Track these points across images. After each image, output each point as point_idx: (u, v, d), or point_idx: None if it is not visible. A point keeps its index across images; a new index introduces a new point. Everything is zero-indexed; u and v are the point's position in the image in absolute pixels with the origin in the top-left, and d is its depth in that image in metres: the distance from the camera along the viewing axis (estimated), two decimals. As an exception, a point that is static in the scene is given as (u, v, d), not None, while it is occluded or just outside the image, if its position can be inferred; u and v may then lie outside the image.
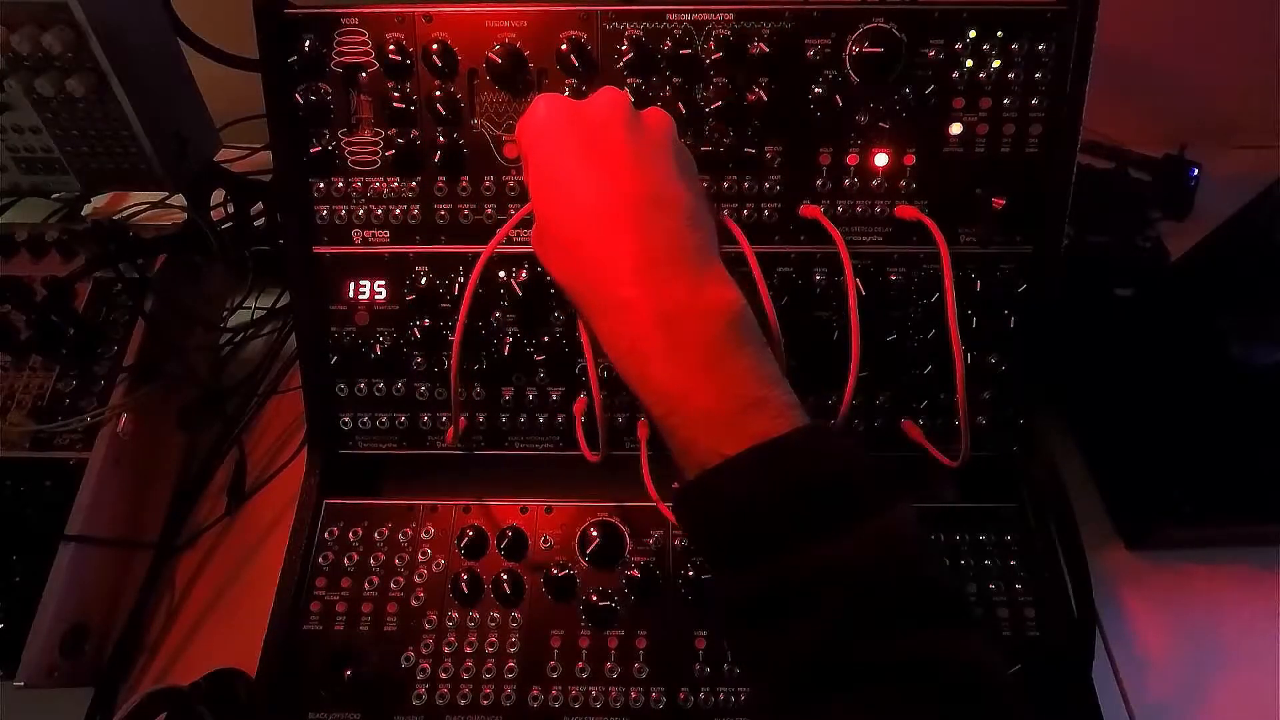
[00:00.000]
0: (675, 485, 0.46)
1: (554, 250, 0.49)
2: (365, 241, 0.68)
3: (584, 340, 0.59)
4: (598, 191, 0.46)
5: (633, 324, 0.45)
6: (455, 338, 0.60)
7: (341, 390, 0.70)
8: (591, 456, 0.64)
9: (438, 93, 0.64)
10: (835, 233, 0.63)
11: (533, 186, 0.50)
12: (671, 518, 0.63)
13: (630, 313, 0.44)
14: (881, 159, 0.65)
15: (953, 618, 0.41)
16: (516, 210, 0.66)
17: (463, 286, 0.67)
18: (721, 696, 0.61)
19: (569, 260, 0.48)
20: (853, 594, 0.39)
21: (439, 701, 0.62)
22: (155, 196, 0.91)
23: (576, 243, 0.47)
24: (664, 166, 0.48)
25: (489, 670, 0.63)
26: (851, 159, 0.65)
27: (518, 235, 0.67)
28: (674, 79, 0.63)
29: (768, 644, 0.42)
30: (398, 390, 0.70)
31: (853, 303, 0.60)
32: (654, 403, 0.45)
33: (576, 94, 0.63)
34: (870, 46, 0.62)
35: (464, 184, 0.66)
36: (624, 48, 0.63)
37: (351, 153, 0.66)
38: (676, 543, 0.67)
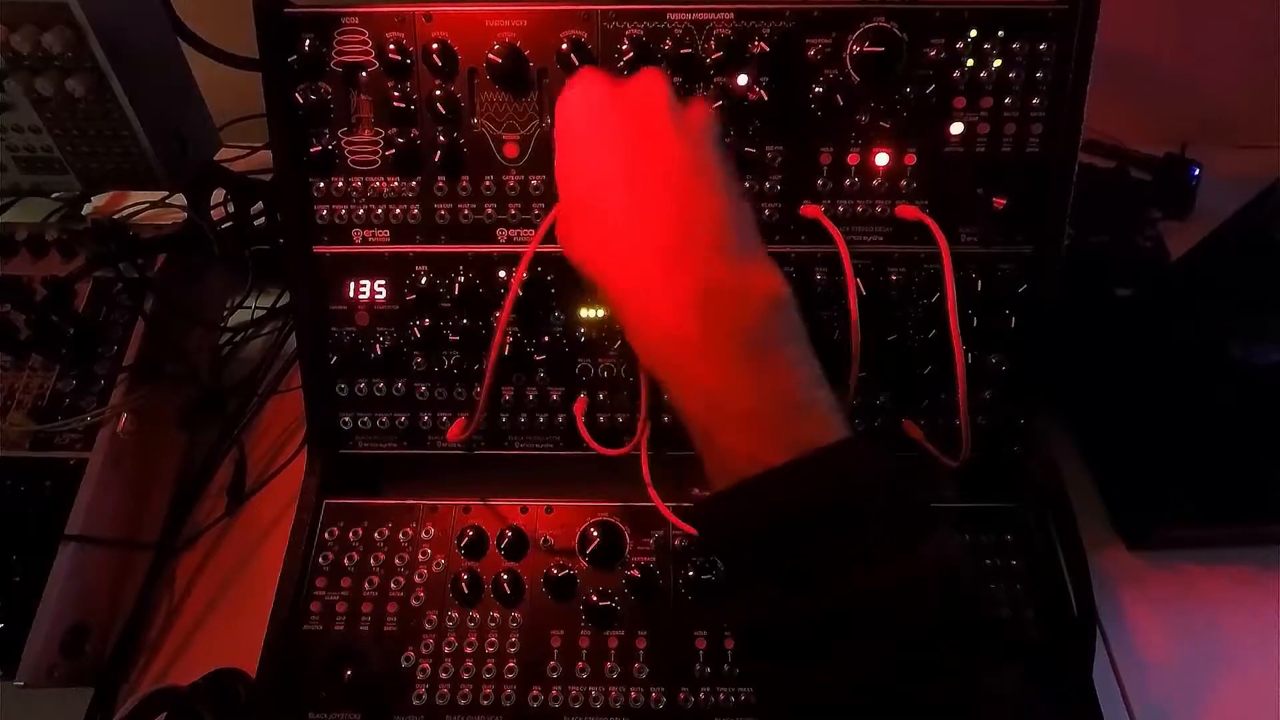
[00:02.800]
0: (696, 491, 0.44)
1: (581, 231, 0.46)
2: (365, 241, 0.68)
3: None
4: (635, 164, 0.43)
5: (666, 307, 0.41)
6: (498, 328, 0.62)
7: (341, 390, 0.70)
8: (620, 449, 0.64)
9: (438, 92, 0.64)
10: (836, 232, 0.63)
11: (563, 163, 0.47)
12: (674, 519, 0.63)
13: (664, 293, 0.41)
14: (882, 158, 0.65)
15: (994, 650, 0.38)
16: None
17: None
18: (721, 696, 0.61)
19: (598, 240, 0.45)
20: (898, 625, 0.36)
21: (439, 701, 0.62)
22: (155, 196, 0.91)
23: (608, 219, 0.44)
24: (707, 147, 0.45)
25: (489, 670, 0.63)
26: (852, 159, 0.65)
27: (518, 235, 0.67)
28: (674, 79, 0.63)
29: (802, 671, 0.38)
30: (398, 390, 0.69)
31: (853, 303, 0.60)
32: (687, 398, 0.41)
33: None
34: (871, 46, 0.62)
35: (464, 184, 0.66)
36: (624, 47, 0.62)
37: (351, 152, 0.66)
38: (676, 543, 0.67)
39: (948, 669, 0.36)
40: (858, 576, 0.37)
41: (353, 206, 0.67)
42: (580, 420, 0.67)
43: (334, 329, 0.69)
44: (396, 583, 0.66)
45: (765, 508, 0.39)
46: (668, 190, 0.43)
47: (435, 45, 0.63)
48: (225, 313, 0.87)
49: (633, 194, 0.43)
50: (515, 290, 0.61)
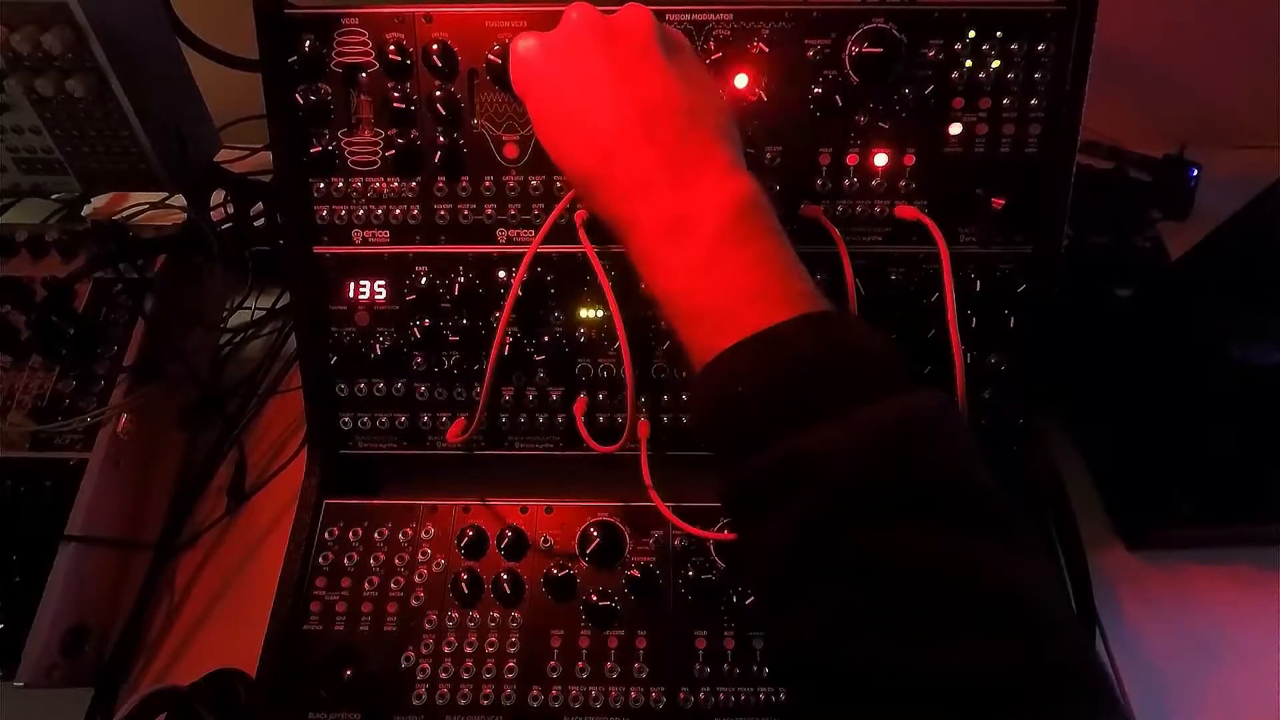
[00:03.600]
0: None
1: (570, 180, 0.52)
2: (365, 241, 0.68)
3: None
4: (587, 126, 0.47)
5: (637, 241, 0.46)
6: (498, 328, 0.63)
7: (341, 390, 0.70)
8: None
9: (438, 93, 0.64)
10: (835, 233, 0.63)
11: (535, 129, 0.51)
12: (674, 519, 0.63)
13: (634, 231, 0.46)
14: (881, 159, 0.65)
15: (967, 519, 0.37)
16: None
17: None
18: (721, 696, 0.61)
19: (581, 190, 0.50)
20: (826, 484, 0.37)
21: (439, 701, 0.62)
22: (155, 196, 0.91)
23: (582, 176, 0.49)
24: (650, 73, 0.47)
25: (489, 670, 0.63)
26: (851, 159, 0.65)
27: (518, 236, 0.67)
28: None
29: (749, 540, 0.42)
30: (398, 390, 0.70)
31: (852, 303, 0.60)
32: (663, 305, 0.46)
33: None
34: (870, 47, 0.62)
35: (464, 184, 0.66)
36: (624, 48, 0.62)
37: (351, 153, 0.66)
38: (676, 543, 0.67)
39: (880, 531, 0.36)
40: (783, 441, 0.39)
41: (353, 207, 0.67)
42: (580, 420, 0.67)
43: (334, 329, 0.69)
44: (396, 583, 0.66)
45: (710, 388, 0.43)
46: (617, 140, 0.46)
47: (435, 46, 0.63)
48: (225, 313, 0.87)
49: (589, 154, 0.48)
50: (515, 291, 0.62)
